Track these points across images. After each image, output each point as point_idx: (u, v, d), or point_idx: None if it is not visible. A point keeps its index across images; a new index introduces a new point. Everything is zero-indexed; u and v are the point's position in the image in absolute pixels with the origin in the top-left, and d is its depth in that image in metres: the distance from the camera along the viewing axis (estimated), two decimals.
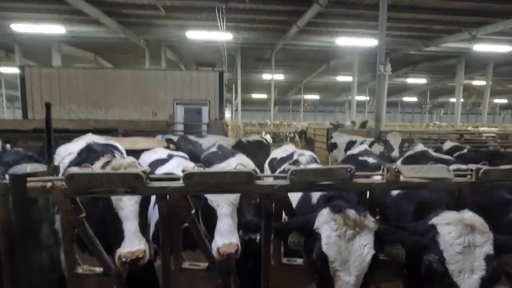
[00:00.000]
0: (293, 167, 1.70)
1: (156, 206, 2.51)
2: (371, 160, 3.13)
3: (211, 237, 1.88)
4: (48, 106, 1.74)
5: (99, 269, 1.72)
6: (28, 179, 1.58)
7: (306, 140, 12.34)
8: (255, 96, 35.70)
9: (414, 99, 37.34)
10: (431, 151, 3.47)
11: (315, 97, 37.15)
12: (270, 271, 1.79)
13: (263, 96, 34.16)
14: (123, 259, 1.65)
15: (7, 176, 2.32)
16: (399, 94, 34.42)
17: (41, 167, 1.66)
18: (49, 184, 1.56)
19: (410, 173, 1.72)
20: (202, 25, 13.40)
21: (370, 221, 1.49)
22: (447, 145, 4.77)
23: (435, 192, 1.86)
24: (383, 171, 1.79)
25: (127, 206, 1.75)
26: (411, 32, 14.57)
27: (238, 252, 1.83)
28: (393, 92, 32.26)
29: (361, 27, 13.80)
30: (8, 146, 4.65)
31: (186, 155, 3.62)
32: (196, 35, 14.01)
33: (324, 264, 1.43)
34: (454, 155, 3.84)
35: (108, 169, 1.95)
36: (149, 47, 16.91)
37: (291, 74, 26.07)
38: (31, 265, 1.66)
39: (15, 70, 17.63)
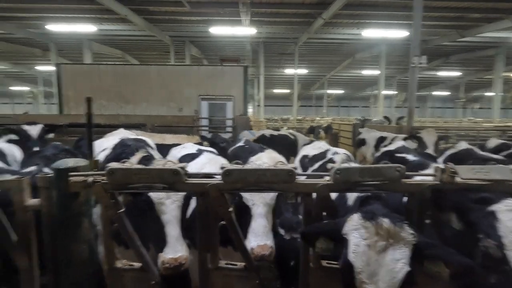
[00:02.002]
0: (336, 165, 1.60)
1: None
2: (410, 157, 2.94)
3: (243, 234, 1.83)
4: (89, 101, 1.75)
5: (137, 265, 1.73)
6: (71, 173, 1.60)
7: (331, 135, 12.02)
8: (277, 91, 35.39)
9: (445, 93, 35.30)
10: (476, 150, 3.19)
11: (339, 91, 36.18)
12: (309, 273, 1.71)
13: (286, 91, 33.79)
14: (166, 265, 1.67)
15: (46, 169, 2.41)
16: (429, 88, 32.68)
17: (82, 162, 1.68)
18: (90, 179, 1.57)
19: (468, 174, 1.56)
20: (225, 21, 13.38)
21: (408, 233, 1.33)
22: (492, 142, 4.38)
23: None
24: (435, 171, 1.64)
25: (169, 210, 1.75)
26: (445, 22, 13.67)
27: (272, 254, 1.77)
28: (423, 86, 30.70)
29: (390, 17, 13.13)
30: (51, 135, 4.92)
31: (215, 151, 3.60)
32: (219, 30, 14.02)
33: (350, 273, 1.33)
34: (502, 153, 3.51)
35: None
36: (174, 43, 17.20)
37: (314, 68, 25.52)
38: (72, 257, 1.70)
39: (50, 68, 18.70)
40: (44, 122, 5.29)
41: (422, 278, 1.40)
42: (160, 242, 1.74)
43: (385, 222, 1.33)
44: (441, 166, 1.64)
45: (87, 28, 13.92)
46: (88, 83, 10.55)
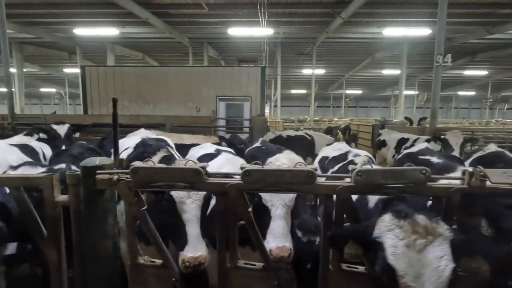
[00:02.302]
0: (358, 167, 1.57)
1: None
2: (435, 159, 2.83)
3: (261, 235, 1.83)
4: (114, 102, 1.82)
5: (158, 261, 1.77)
6: (97, 171, 1.66)
7: (350, 136, 11.79)
8: (294, 91, 35.18)
9: (471, 93, 33.72)
10: (508, 152, 3.02)
11: (357, 92, 35.46)
12: (328, 276, 1.69)
13: (303, 91, 33.52)
14: (187, 264, 1.70)
15: (73, 167, 2.51)
16: (454, 88, 31.33)
17: (108, 160, 1.73)
18: (115, 177, 1.63)
19: (499, 178, 1.48)
20: (243, 22, 13.47)
21: (444, 228, 1.28)
22: None
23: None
24: (463, 174, 1.57)
25: (190, 209, 1.79)
26: (472, 18, 13.05)
27: (291, 256, 1.76)
28: (447, 86, 29.48)
29: (412, 15, 12.73)
30: (77, 134, 5.16)
31: (233, 151, 3.63)
32: (237, 31, 14.13)
33: (392, 278, 1.24)
34: None
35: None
36: (192, 45, 17.51)
37: (332, 68, 25.15)
38: (98, 252, 1.76)
39: (76, 70, 19.55)
40: (70, 122, 5.53)
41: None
42: (181, 240, 1.77)
43: (421, 218, 1.27)
44: (470, 169, 1.56)
45: (110, 31, 14.46)
46: (111, 85, 10.94)
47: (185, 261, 1.70)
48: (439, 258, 1.22)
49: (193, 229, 1.77)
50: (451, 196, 1.52)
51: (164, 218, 1.83)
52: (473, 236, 1.44)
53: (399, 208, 1.40)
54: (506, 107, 32.58)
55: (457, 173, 1.95)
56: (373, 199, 1.90)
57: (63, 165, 2.24)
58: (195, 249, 1.72)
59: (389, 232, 1.30)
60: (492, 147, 3.17)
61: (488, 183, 1.49)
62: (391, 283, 1.25)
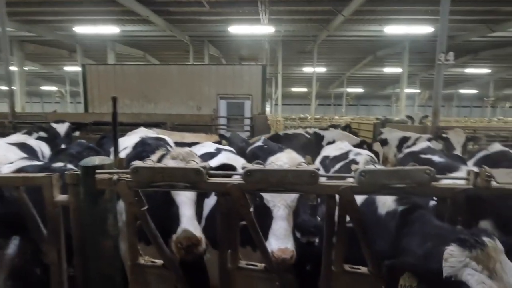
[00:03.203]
0: (361, 167, 1.54)
1: (206, 200, 2.55)
2: (437, 158, 2.80)
3: (263, 235, 1.81)
4: (114, 100, 1.79)
5: (159, 262, 1.75)
6: (97, 171, 1.64)
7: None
8: (295, 89, 35.09)
9: (473, 91, 33.56)
10: None
11: (359, 90, 35.35)
12: (331, 277, 1.67)
13: (304, 89, 33.43)
14: (179, 245, 1.65)
15: (69, 165, 2.50)
16: (455, 86, 31.20)
17: (108, 160, 1.72)
18: (115, 177, 1.61)
19: (506, 179, 1.45)
20: (244, 20, 13.42)
21: (498, 241, 1.18)
22: None
23: None
24: (468, 174, 1.54)
25: (184, 192, 1.74)
26: (475, 16, 12.98)
27: (293, 258, 1.73)
28: (449, 84, 29.35)
29: (414, 12, 12.66)
30: (77, 133, 5.14)
31: (233, 150, 3.61)
32: (238, 29, 14.08)
33: None
34: None
35: (167, 159, 2.00)
36: (193, 43, 17.47)
37: (333, 67, 25.09)
38: (99, 252, 1.75)
39: (76, 68, 19.55)
40: (71, 121, 5.52)
41: None
42: (174, 224, 1.74)
43: (489, 241, 1.15)
44: (475, 169, 1.54)
45: (111, 29, 14.43)
46: (112, 83, 10.92)
47: (177, 242, 1.65)
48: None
49: (186, 211, 1.73)
50: (456, 197, 1.49)
51: (158, 204, 1.80)
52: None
53: (460, 235, 1.22)
54: (508, 106, 32.44)
55: (460, 173, 1.92)
56: (384, 205, 1.79)
57: (60, 164, 2.21)
58: (189, 229, 1.69)
59: (465, 267, 1.14)
60: (496, 146, 3.14)
61: (493, 183, 1.47)
62: None
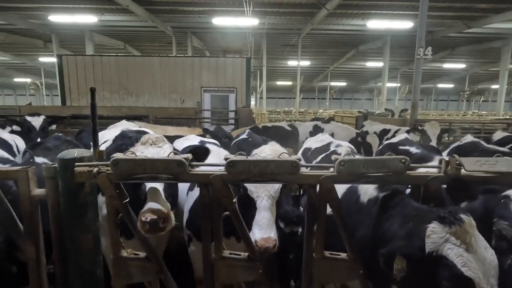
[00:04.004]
0: (340, 157, 1.59)
1: (190, 193, 2.55)
2: (413, 149, 2.93)
3: (247, 226, 1.84)
4: (93, 91, 1.74)
5: (142, 254, 1.74)
6: (76, 164, 1.60)
7: None
8: (280, 83, 35.17)
9: (450, 85, 34.88)
10: (483, 142, 3.16)
11: (342, 84, 35.90)
12: (312, 264, 1.73)
13: (288, 83, 33.56)
14: (143, 219, 1.64)
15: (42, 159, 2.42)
16: (433, 81, 32.32)
17: (87, 153, 1.68)
18: (95, 169, 1.58)
19: (474, 167, 1.55)
20: (228, 11, 13.22)
21: (471, 218, 1.27)
22: (497, 135, 4.36)
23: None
24: (440, 163, 1.63)
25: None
26: (452, 12, 13.42)
27: (276, 246, 1.77)
28: (427, 79, 30.35)
29: (395, 8, 12.92)
30: (54, 126, 4.95)
31: (217, 143, 3.61)
32: (222, 21, 13.87)
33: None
34: (508, 146, 3.48)
35: (137, 145, 2.01)
36: (176, 34, 17.05)
37: (317, 60, 25.28)
38: (78, 246, 1.71)
39: (52, 59, 18.66)
40: (47, 114, 5.30)
41: None
42: (140, 202, 1.75)
43: (466, 218, 1.23)
44: (446, 158, 1.63)
45: (88, 18, 13.81)
46: (91, 75, 10.53)
47: (141, 217, 1.64)
48: (485, 247, 1.23)
49: (152, 191, 1.75)
50: (428, 184, 1.58)
51: (130, 192, 1.80)
52: None
53: (440, 213, 1.31)
54: (481, 100, 34.02)
55: (434, 163, 2.02)
56: (366, 194, 1.86)
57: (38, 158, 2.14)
58: (153, 203, 1.69)
59: (446, 242, 1.22)
60: (468, 138, 3.31)
61: (463, 171, 1.56)
62: None
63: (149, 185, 1.83)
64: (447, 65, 25.27)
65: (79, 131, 4.79)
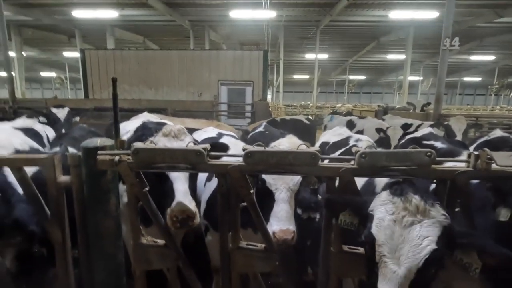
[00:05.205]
0: (362, 149, 1.54)
1: (208, 183, 2.58)
2: (439, 144, 2.79)
3: (265, 218, 1.84)
4: (114, 82, 1.78)
5: (161, 241, 1.78)
6: (98, 152, 1.65)
7: None
8: (297, 76, 34.72)
9: (477, 78, 33.14)
10: None
11: (361, 77, 34.97)
12: (330, 257, 1.70)
13: (305, 76, 33.07)
14: (174, 218, 1.70)
15: (70, 149, 2.51)
16: (459, 74, 30.79)
17: (109, 141, 1.72)
18: (116, 158, 1.62)
19: (506, 161, 1.45)
20: (245, 4, 13.11)
21: (439, 213, 1.27)
22: None
23: None
24: (469, 157, 1.54)
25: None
26: (482, 0, 12.66)
27: (294, 239, 1.77)
28: (452, 71, 28.95)
29: None
30: (77, 118, 5.13)
31: (235, 135, 3.61)
32: (239, 14, 13.79)
33: (371, 247, 1.31)
34: None
35: (158, 137, 2.05)
36: (194, 28, 17.15)
37: (335, 53, 24.70)
38: (101, 231, 1.78)
39: (75, 54, 19.31)
40: (71, 106, 5.50)
41: (451, 273, 1.35)
42: (168, 198, 1.79)
43: (415, 198, 1.29)
44: (475, 152, 1.54)
45: (110, 13, 14.15)
46: (112, 69, 10.82)
47: (172, 215, 1.70)
48: (422, 237, 1.23)
49: (180, 185, 1.79)
50: (456, 179, 1.50)
51: (153, 181, 1.83)
52: (476, 232, 1.43)
53: (398, 186, 1.42)
54: (511, 94, 32.08)
55: (464, 157, 1.92)
56: (380, 184, 1.88)
57: (61, 147, 2.22)
58: (183, 202, 1.74)
59: (381, 206, 1.35)
60: (497, 132, 3.13)
61: (494, 166, 1.47)
62: (370, 252, 1.33)
63: (175, 178, 1.85)
64: (474, 57, 23.97)
65: (109, 125, 4.94)
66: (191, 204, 1.77)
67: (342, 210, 1.49)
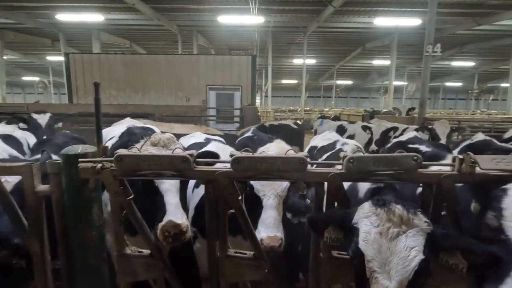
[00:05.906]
0: (350, 154, 1.54)
1: (196, 190, 2.53)
2: (424, 148, 2.85)
3: (253, 225, 1.81)
4: (96, 86, 1.72)
5: (146, 251, 1.72)
6: (80, 159, 1.58)
7: None
8: (285, 81, 35.04)
9: (458, 83, 34.33)
10: (495, 141, 3.07)
11: (348, 82, 35.61)
12: (319, 263, 1.68)
13: (293, 81, 33.42)
14: (166, 233, 1.65)
15: (53, 156, 2.41)
16: (441, 79, 31.84)
17: (91, 148, 1.66)
18: (99, 165, 1.56)
19: (489, 165, 1.48)
20: (233, 9, 13.18)
21: (422, 221, 1.28)
22: (510, 133, 4.24)
23: None
24: (453, 161, 1.56)
25: (168, 179, 1.72)
26: (461, 9, 13.17)
27: (282, 246, 1.74)
28: (435, 77, 29.91)
29: (403, 4, 12.73)
30: (60, 124, 4.95)
31: (223, 140, 3.57)
32: (227, 19, 13.84)
33: (360, 262, 1.29)
34: None
35: (146, 145, 1.97)
36: (182, 33, 17.09)
37: (323, 58, 25.10)
38: (83, 243, 1.70)
39: (60, 58, 18.85)
40: (55, 112, 5.33)
41: (439, 277, 1.36)
42: (159, 212, 1.72)
43: (398, 208, 1.29)
44: (460, 156, 1.56)
45: (95, 17, 13.91)
46: (97, 73, 10.61)
47: (164, 230, 1.64)
48: (409, 248, 1.23)
49: (171, 199, 1.73)
50: (441, 183, 1.52)
51: (142, 193, 1.77)
52: (456, 232, 1.45)
53: (380, 197, 1.42)
54: (491, 98, 33.38)
55: (448, 160, 1.96)
56: (363, 189, 1.90)
57: (42, 155, 2.14)
58: (175, 217, 1.68)
59: (365, 218, 1.33)
60: (480, 136, 3.22)
61: (477, 169, 1.49)
62: (359, 267, 1.30)
63: (166, 190, 1.78)
64: (455, 63, 24.87)
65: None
66: (183, 219, 1.71)
67: (326, 227, 1.47)
